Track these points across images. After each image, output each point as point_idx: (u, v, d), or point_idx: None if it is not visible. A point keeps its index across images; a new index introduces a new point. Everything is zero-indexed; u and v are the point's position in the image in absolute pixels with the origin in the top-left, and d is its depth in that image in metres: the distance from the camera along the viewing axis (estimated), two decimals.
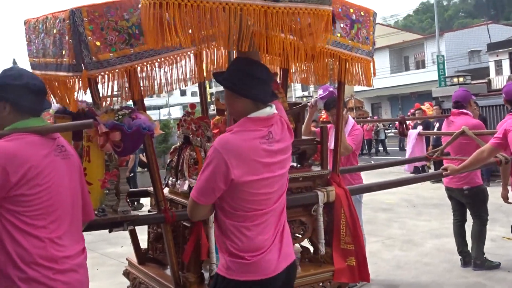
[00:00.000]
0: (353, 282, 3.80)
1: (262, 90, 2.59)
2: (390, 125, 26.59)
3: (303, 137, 4.14)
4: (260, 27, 2.67)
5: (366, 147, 23.34)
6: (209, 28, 2.63)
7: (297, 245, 3.98)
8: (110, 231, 3.20)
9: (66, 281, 2.40)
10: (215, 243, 3.02)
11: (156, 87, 3.47)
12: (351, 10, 3.64)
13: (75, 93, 3.21)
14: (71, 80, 3.16)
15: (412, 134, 6.27)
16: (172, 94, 47.47)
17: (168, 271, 3.55)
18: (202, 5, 2.45)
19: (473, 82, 18.84)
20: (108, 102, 3.22)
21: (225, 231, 2.58)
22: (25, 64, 3.71)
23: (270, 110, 2.61)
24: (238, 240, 2.54)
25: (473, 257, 6.16)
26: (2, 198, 2.28)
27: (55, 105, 3.50)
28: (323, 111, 6.25)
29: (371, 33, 3.76)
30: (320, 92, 5.55)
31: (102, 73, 3.09)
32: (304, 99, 27.34)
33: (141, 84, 3.36)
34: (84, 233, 2.73)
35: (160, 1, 2.40)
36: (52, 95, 3.42)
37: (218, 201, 2.58)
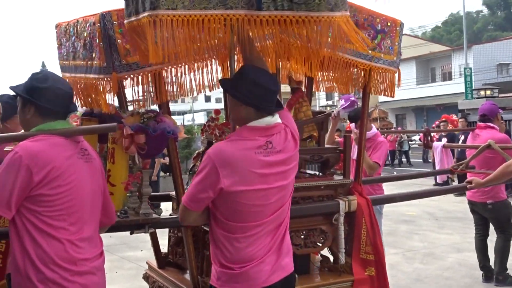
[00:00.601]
0: None
1: (266, 99, 2.55)
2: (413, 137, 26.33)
3: (326, 146, 4.14)
4: (246, 36, 2.67)
5: (389, 158, 23.15)
6: (197, 41, 2.66)
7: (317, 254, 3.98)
8: (131, 233, 3.23)
9: (84, 283, 2.42)
10: None
11: (183, 91, 3.49)
12: (377, 20, 3.63)
13: (106, 95, 3.26)
14: (101, 82, 3.22)
15: (438, 147, 6.22)
16: (197, 99, 47.77)
17: (187, 276, 3.56)
18: (191, 19, 2.48)
19: (500, 95, 18.58)
20: (137, 105, 3.26)
21: (216, 241, 2.56)
22: (54, 66, 3.79)
23: (271, 119, 2.56)
24: (227, 251, 2.51)
25: (495, 273, 6.07)
26: (24, 198, 2.32)
27: (82, 108, 3.56)
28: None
29: (396, 43, 3.74)
30: (342, 102, 5.53)
31: (132, 76, 3.13)
32: (328, 108, 27.25)
33: (168, 88, 3.39)
34: (105, 236, 2.76)
35: (154, 19, 2.44)
36: (80, 98, 3.48)
37: (213, 209, 2.55)
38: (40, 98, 2.47)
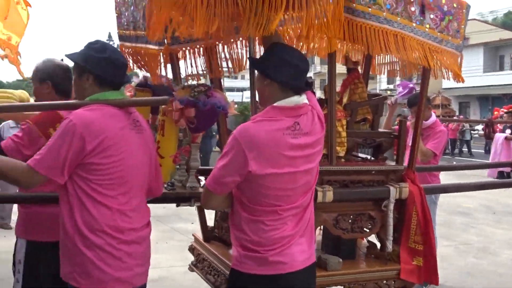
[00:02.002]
0: (418, 283, 3.66)
1: (294, 77, 2.45)
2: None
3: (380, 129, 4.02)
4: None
5: (450, 146, 22.51)
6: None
7: (364, 240, 3.91)
8: (177, 206, 3.25)
9: (130, 252, 2.47)
10: None
11: (237, 66, 3.43)
12: (443, 1, 3.46)
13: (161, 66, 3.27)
14: (160, 54, 3.22)
15: (499, 138, 5.97)
16: None
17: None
18: None
19: None
20: (193, 80, 3.26)
21: (240, 224, 2.47)
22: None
23: (299, 99, 2.45)
24: (253, 234, 2.42)
25: None
26: (77, 165, 2.37)
27: (137, 78, 3.58)
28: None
29: (463, 26, 3.56)
30: (400, 89, 5.37)
31: (184, 48, 3.11)
32: (389, 92, 26.69)
33: (222, 64, 3.35)
34: (158, 206, 2.76)
35: None
36: (138, 67, 3.50)
37: (238, 193, 2.47)
38: (99, 68, 2.51)
